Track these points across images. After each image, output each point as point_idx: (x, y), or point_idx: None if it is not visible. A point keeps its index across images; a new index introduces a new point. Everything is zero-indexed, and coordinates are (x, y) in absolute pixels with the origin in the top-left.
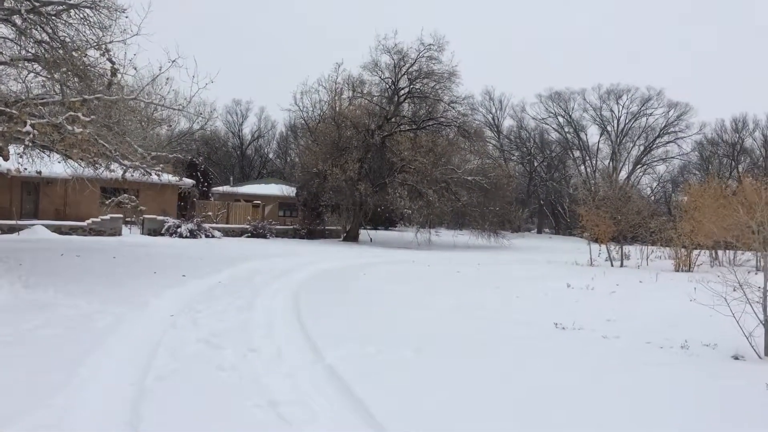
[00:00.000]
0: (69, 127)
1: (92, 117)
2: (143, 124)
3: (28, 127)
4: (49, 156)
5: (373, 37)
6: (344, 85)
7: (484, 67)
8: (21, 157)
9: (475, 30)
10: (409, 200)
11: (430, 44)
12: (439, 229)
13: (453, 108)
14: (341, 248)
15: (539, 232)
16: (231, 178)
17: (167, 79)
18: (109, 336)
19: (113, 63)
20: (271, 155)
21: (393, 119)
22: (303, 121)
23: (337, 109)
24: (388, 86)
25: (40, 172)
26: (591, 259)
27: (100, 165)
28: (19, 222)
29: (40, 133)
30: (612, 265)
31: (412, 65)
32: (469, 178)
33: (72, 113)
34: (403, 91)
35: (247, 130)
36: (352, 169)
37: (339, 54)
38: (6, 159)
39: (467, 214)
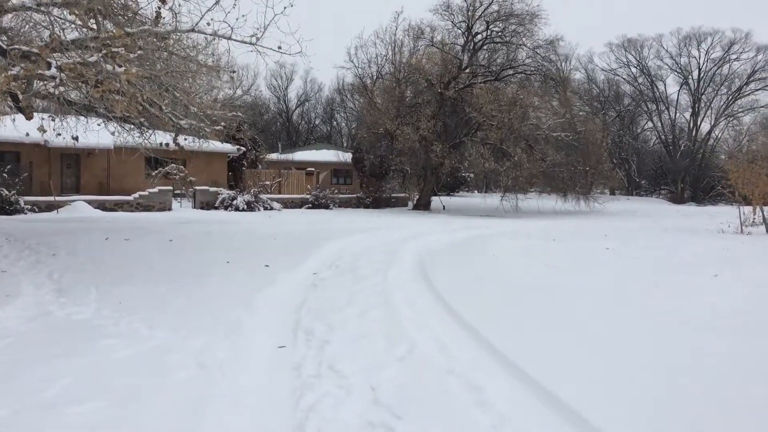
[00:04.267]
0: (108, 66)
1: (139, 52)
2: (203, 70)
3: (53, 70)
4: (86, 121)
5: None
6: (405, 36)
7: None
8: (53, 120)
9: None
10: (493, 161)
11: None
12: (524, 193)
13: (537, 53)
14: (420, 218)
15: (611, 193)
16: (279, 145)
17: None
18: (198, 406)
19: None
20: (317, 121)
21: (468, 69)
22: (359, 79)
23: (400, 61)
24: (462, 32)
25: (76, 138)
26: (741, 225)
27: (147, 127)
28: (58, 198)
29: (70, 78)
30: None
31: (489, 5)
32: (554, 134)
33: (111, 48)
34: (479, 37)
35: (292, 95)
36: (426, 127)
37: (400, 1)
38: (29, 118)
39: (554, 175)
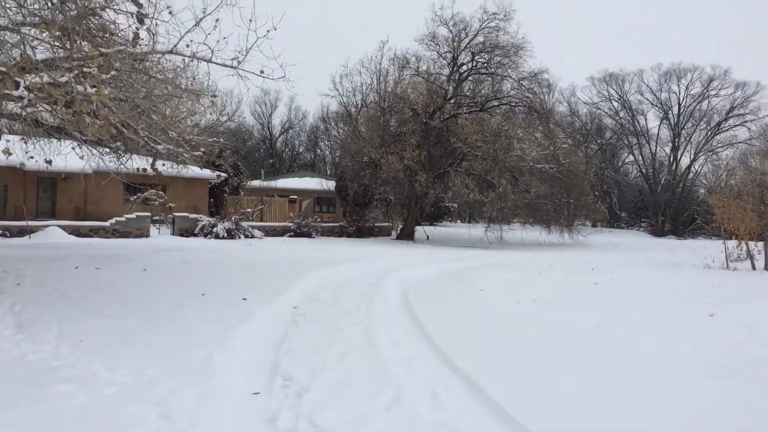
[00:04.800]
0: (79, 87)
1: (113, 73)
2: (182, 94)
3: (22, 90)
4: (59, 144)
5: (428, 6)
6: (390, 65)
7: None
8: (25, 143)
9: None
10: (478, 191)
11: (494, 13)
12: (509, 224)
13: (522, 85)
14: (404, 249)
15: (593, 226)
16: (262, 172)
17: (216, 20)
18: None
19: (140, 5)
20: (301, 149)
21: (453, 99)
22: (344, 108)
23: (385, 90)
24: (447, 62)
25: (50, 161)
26: (727, 260)
27: (123, 151)
28: (31, 223)
29: (39, 99)
30: (755, 268)
31: (474, 37)
32: (539, 166)
33: (84, 68)
34: (464, 67)
35: (276, 122)
36: (411, 156)
37: (384, 31)
38: (8, 153)
39: (538, 207)
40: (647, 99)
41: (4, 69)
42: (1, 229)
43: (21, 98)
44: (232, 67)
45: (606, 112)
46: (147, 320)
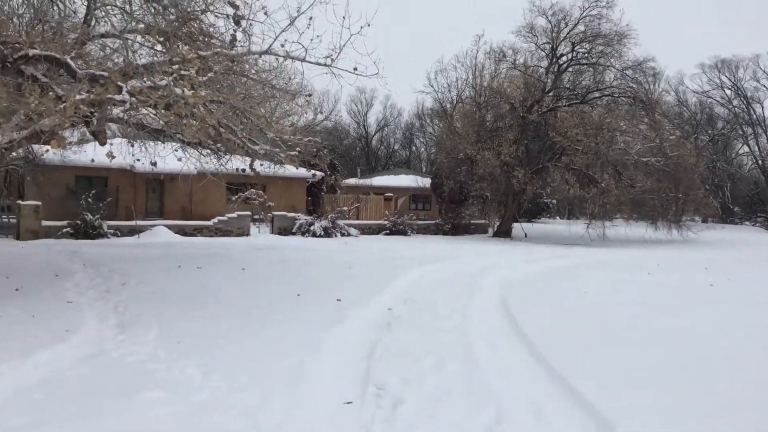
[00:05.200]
0: (177, 90)
1: (209, 75)
2: (277, 94)
3: (124, 95)
4: (163, 146)
5: None
6: (486, 59)
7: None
8: (132, 146)
9: None
10: (578, 187)
11: (596, 0)
12: (611, 220)
13: (626, 75)
14: (501, 247)
15: (704, 221)
16: (358, 170)
17: (310, 19)
18: None
19: (236, 7)
20: (396, 146)
21: (552, 92)
22: (439, 104)
23: (481, 85)
24: (545, 54)
25: (154, 163)
26: None
27: (223, 152)
28: (141, 223)
29: (140, 102)
30: None
31: (575, 26)
32: (644, 159)
33: (181, 71)
34: (564, 59)
35: (372, 120)
36: (508, 152)
37: (480, 25)
38: (102, 143)
39: (643, 202)
40: (764, 86)
41: (106, 74)
42: (112, 229)
43: (123, 102)
44: (325, 65)
45: (718, 101)
46: (242, 322)
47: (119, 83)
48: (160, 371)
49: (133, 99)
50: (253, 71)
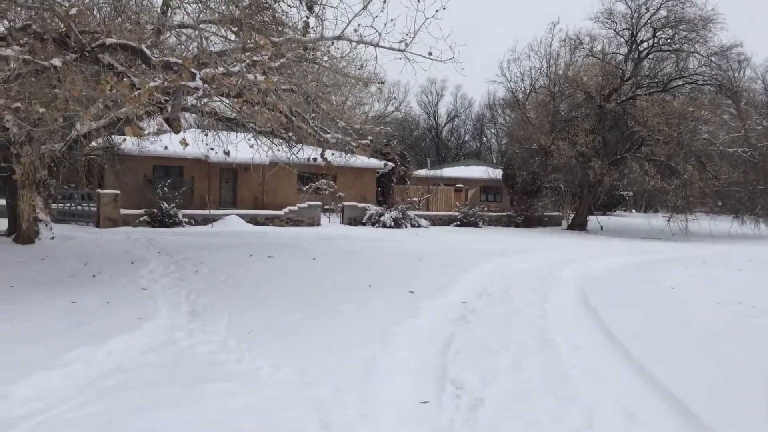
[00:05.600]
0: (249, 76)
1: (281, 60)
2: (350, 81)
3: (197, 81)
4: (236, 135)
5: None
6: (561, 47)
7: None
8: (206, 135)
9: None
10: (659, 178)
11: None
12: (692, 213)
13: (711, 62)
14: (576, 240)
15: None
16: (428, 161)
17: (384, 2)
18: None
19: None
20: (466, 137)
21: (631, 80)
22: (511, 93)
23: (555, 73)
24: (625, 40)
25: (227, 152)
26: None
27: (294, 142)
28: (214, 212)
29: (213, 89)
30: None
31: (656, 11)
32: (729, 150)
33: (254, 58)
34: (644, 45)
35: (442, 110)
36: (584, 142)
37: (555, 11)
38: (177, 131)
39: (729, 195)
40: None
41: (180, 61)
42: (187, 217)
43: (197, 89)
44: (399, 50)
45: None
46: (312, 312)
47: (193, 70)
48: (230, 362)
49: (206, 86)
50: (326, 58)
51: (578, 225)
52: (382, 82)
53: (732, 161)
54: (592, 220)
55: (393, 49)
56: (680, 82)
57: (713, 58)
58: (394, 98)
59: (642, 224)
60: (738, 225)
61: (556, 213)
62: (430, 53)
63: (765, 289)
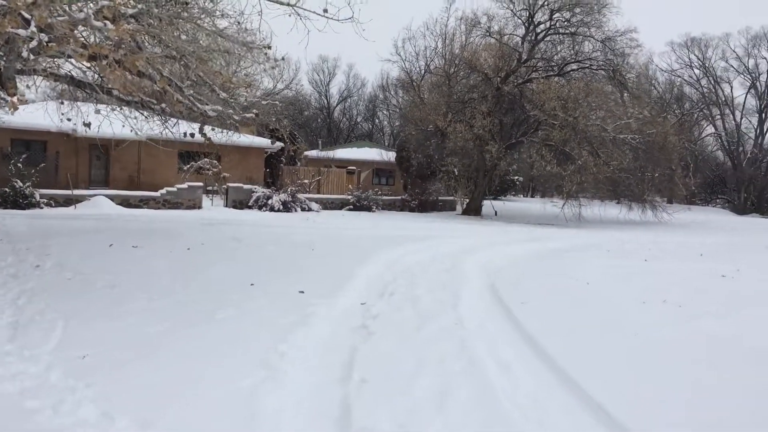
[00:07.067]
0: (97, 23)
1: (139, 6)
2: (230, 48)
3: (32, 30)
4: (104, 106)
5: None
6: (458, 27)
7: None
8: (62, 104)
9: None
10: (556, 164)
11: None
12: (576, 199)
13: (606, 47)
14: (474, 226)
15: (669, 202)
16: (320, 142)
17: None
18: None
19: None
20: (359, 118)
21: (528, 62)
22: (406, 74)
23: (452, 53)
24: (522, 21)
25: (88, 124)
26: None
27: (168, 115)
28: (77, 192)
29: (53, 40)
30: None
31: None
32: (621, 136)
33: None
34: (541, 27)
35: (334, 90)
36: (481, 125)
37: None
38: (11, 93)
39: (620, 181)
40: (732, 66)
41: (5, 2)
42: (46, 198)
43: (31, 39)
44: (288, 5)
45: (686, 81)
46: (178, 321)
47: (23, 12)
48: (43, 411)
49: (43, 35)
50: (195, 11)
51: (473, 210)
52: (269, 47)
53: (623, 148)
54: (487, 205)
55: (281, 3)
56: (575, 67)
57: (608, 43)
58: (283, 78)
59: (535, 210)
60: (626, 211)
61: (450, 197)
62: (326, 10)
63: (682, 284)
